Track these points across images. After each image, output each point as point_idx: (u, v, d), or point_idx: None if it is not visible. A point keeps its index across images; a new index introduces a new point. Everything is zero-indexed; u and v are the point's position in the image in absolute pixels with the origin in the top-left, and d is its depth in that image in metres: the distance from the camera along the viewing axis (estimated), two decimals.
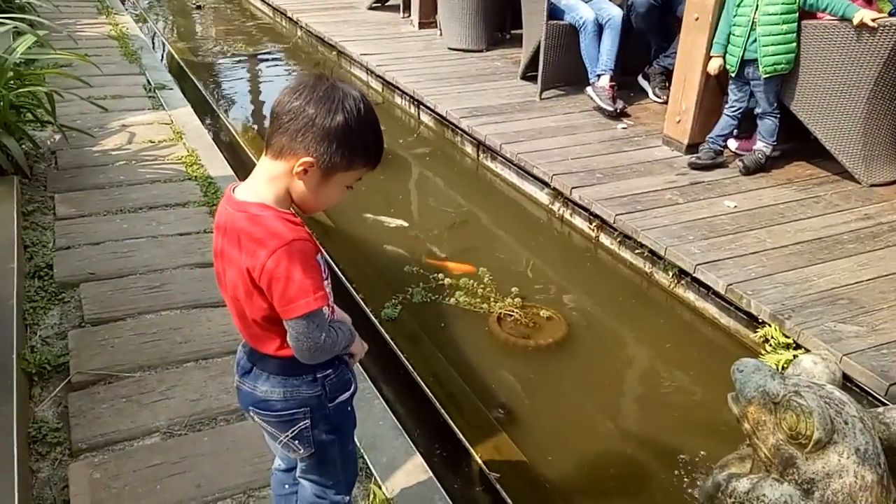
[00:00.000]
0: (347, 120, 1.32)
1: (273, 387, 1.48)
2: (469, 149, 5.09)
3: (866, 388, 2.62)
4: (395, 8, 8.14)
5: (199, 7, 10.10)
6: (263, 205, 1.35)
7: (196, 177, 4.09)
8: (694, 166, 4.17)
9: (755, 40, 3.81)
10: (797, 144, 4.27)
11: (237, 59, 7.73)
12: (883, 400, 2.54)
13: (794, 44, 3.83)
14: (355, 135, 1.34)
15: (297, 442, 1.53)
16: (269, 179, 1.37)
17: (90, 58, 4.92)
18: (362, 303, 3.40)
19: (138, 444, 2.21)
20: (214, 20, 9.66)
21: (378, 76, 6.29)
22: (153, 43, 8.05)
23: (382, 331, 3.21)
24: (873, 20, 3.53)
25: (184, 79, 6.76)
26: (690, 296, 3.39)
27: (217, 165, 4.30)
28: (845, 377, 2.66)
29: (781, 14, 3.75)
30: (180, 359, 2.59)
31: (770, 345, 2.92)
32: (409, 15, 7.68)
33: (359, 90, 1.39)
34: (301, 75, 1.37)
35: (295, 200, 1.40)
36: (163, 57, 7.56)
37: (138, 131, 4.69)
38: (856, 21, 3.56)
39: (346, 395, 1.56)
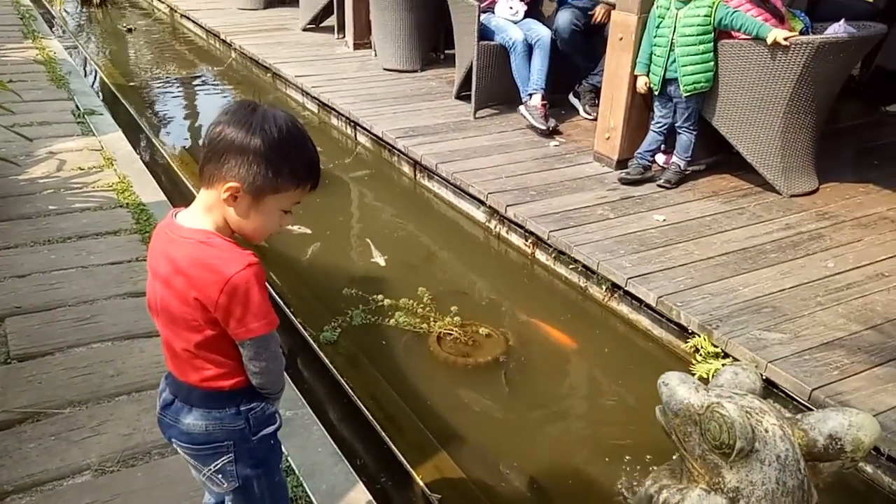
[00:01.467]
0: (266, 140, 1.31)
1: (196, 420, 1.47)
2: (406, 168, 5.12)
3: (790, 393, 2.73)
4: (329, 29, 8.15)
5: (130, 30, 9.90)
6: (208, 232, 1.35)
7: (127, 204, 4.01)
8: (624, 181, 4.29)
9: (675, 60, 3.96)
10: (721, 157, 4.45)
11: (170, 82, 7.61)
12: (806, 404, 2.66)
13: (712, 63, 3.99)
14: (278, 155, 1.32)
15: (220, 476, 1.51)
16: (206, 209, 1.38)
17: (13, 84, 4.78)
18: (300, 326, 3.37)
19: (68, 484, 2.15)
20: (147, 43, 9.47)
21: (314, 98, 6.28)
22: (84, 67, 7.86)
23: (321, 354, 3.20)
24: (786, 39, 3.71)
25: (115, 103, 6.62)
26: (624, 308, 3.47)
27: (149, 192, 4.22)
28: (771, 383, 2.78)
29: (698, 35, 3.90)
30: (112, 392, 2.53)
31: (700, 354, 3.02)
32: (344, 36, 7.70)
33: (286, 111, 1.39)
34: (235, 103, 1.39)
35: (233, 229, 1.40)
36: (93, 82, 7.38)
37: (67, 158, 4.56)
38: (769, 40, 3.74)
39: (271, 428, 1.55)
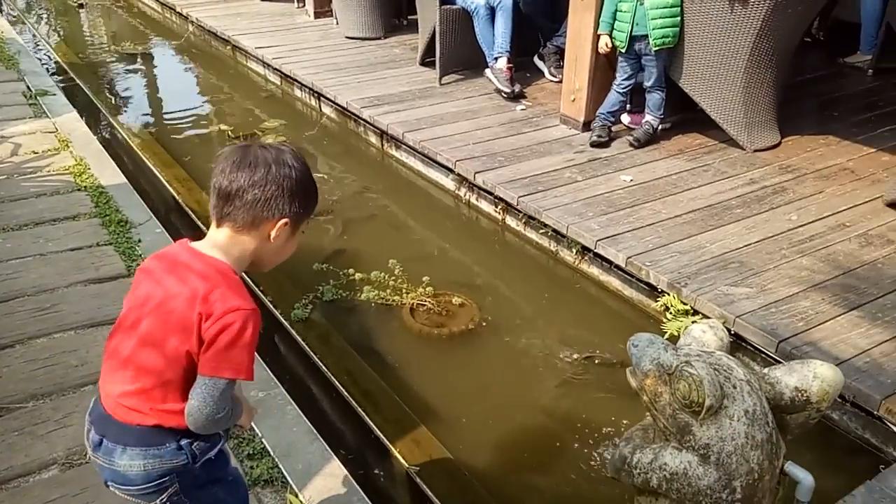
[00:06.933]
0: (301, 172, 1.42)
1: (132, 459, 1.38)
2: (373, 138, 5.05)
3: (759, 346, 2.77)
4: None
5: (81, 6, 9.58)
6: (227, 267, 1.39)
7: (86, 187, 3.91)
8: (595, 145, 4.26)
9: (643, 15, 3.91)
10: (685, 116, 4.44)
11: (127, 58, 7.40)
12: (774, 357, 2.69)
13: (679, 17, 3.96)
14: (307, 182, 1.45)
15: None
16: (232, 246, 1.41)
17: None
18: (270, 305, 3.33)
19: (34, 479, 2.11)
20: (100, 19, 9.20)
21: (275, 69, 6.15)
22: (34, 46, 7.60)
23: (293, 332, 3.16)
24: None
25: (69, 83, 6.43)
26: (595, 270, 3.48)
27: (108, 173, 4.12)
28: (740, 338, 2.81)
29: None
30: (77, 383, 2.48)
31: (670, 312, 3.04)
32: (304, 5, 7.54)
33: (279, 144, 1.47)
34: (232, 149, 1.44)
35: (260, 259, 1.45)
36: (45, 61, 7.15)
37: (20, 142, 4.43)
38: None
39: (215, 451, 1.48)
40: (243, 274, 1.48)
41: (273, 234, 1.41)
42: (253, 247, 1.42)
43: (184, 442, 1.40)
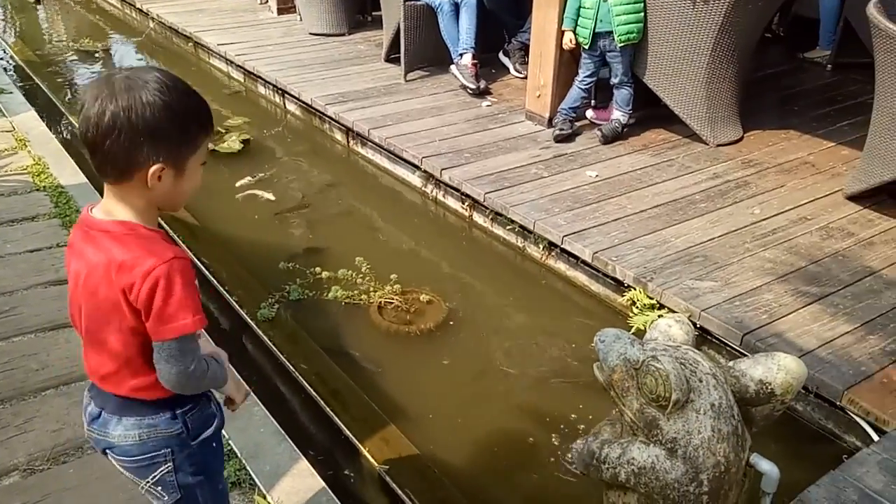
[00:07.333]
0: (164, 103, 1.21)
1: (127, 430, 1.38)
2: (338, 136, 5.01)
3: (723, 339, 2.80)
4: None
5: (38, 2, 9.34)
6: (130, 224, 1.27)
7: (45, 187, 3.82)
8: (558, 139, 4.28)
9: (607, 12, 3.93)
10: (649, 111, 4.48)
11: (86, 56, 7.23)
12: (739, 349, 2.73)
13: (643, 13, 3.99)
14: (177, 114, 1.23)
15: (159, 488, 1.42)
16: (123, 199, 1.28)
17: None
18: (236, 305, 3.29)
19: None
20: (58, 16, 8.98)
21: (238, 66, 6.07)
22: None
23: (259, 332, 3.13)
24: None
25: (26, 81, 6.27)
26: (561, 266, 3.50)
27: (68, 173, 4.03)
28: (705, 331, 2.85)
29: None
30: (38, 387, 2.43)
31: (637, 307, 3.07)
32: (267, 1, 7.44)
33: (146, 67, 1.31)
34: (90, 83, 1.25)
35: (160, 205, 1.32)
36: (0, 59, 6.96)
37: None
38: None
39: (210, 430, 1.46)
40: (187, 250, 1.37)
41: (150, 183, 1.24)
42: (141, 199, 1.27)
43: (178, 411, 1.39)
